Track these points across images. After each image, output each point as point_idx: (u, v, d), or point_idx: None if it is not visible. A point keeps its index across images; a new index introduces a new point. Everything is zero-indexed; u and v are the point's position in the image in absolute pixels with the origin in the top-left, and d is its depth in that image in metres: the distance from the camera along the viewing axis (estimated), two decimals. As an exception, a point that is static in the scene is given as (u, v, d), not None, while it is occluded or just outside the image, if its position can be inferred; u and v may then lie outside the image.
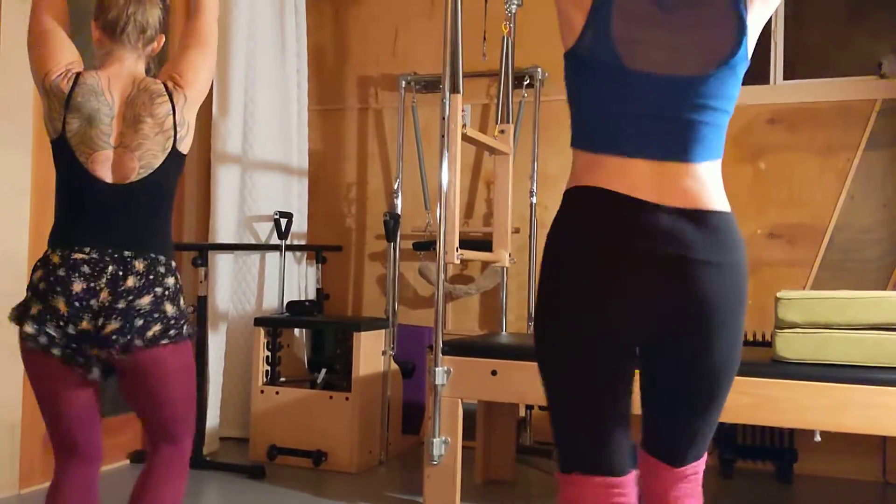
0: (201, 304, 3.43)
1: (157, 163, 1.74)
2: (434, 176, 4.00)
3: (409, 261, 4.08)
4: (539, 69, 3.87)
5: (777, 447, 3.38)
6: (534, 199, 3.89)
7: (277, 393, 3.47)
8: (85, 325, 1.64)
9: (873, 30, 3.63)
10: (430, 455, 2.74)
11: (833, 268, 3.48)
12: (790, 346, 2.45)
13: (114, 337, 1.64)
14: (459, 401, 2.77)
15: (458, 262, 3.00)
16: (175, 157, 1.77)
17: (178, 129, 1.77)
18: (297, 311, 3.66)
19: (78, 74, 1.72)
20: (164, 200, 1.78)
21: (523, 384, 2.69)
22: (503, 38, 3.61)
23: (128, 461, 3.39)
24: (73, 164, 1.70)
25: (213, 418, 3.58)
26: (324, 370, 3.57)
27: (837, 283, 3.46)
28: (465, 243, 3.23)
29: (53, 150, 1.72)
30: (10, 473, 2.87)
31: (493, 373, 2.73)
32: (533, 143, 3.90)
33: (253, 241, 3.88)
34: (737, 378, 2.49)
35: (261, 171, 3.89)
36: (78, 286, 1.64)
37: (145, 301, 1.68)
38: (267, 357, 3.55)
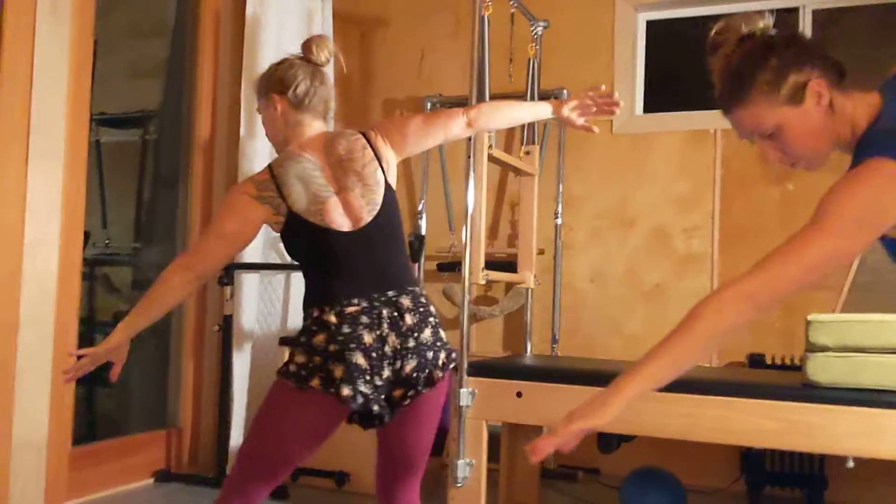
0: (227, 324, 3.44)
1: (379, 198, 1.81)
2: (458, 197, 4.01)
3: (433, 282, 4.08)
4: (565, 91, 3.87)
5: (807, 473, 3.32)
6: (559, 221, 3.89)
7: (301, 413, 3.46)
8: (387, 373, 1.72)
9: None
10: (454, 477, 2.72)
11: (864, 290, 3.43)
12: (822, 369, 2.41)
13: (415, 375, 1.74)
14: (484, 423, 2.75)
15: (483, 282, 2.99)
16: (388, 188, 1.84)
17: (380, 160, 1.84)
18: (321, 331, 3.66)
19: (269, 167, 1.78)
20: (398, 233, 1.85)
21: (548, 406, 2.67)
22: (529, 59, 3.64)
23: (152, 480, 3.40)
24: (310, 228, 1.75)
25: (236, 437, 3.58)
26: (347, 391, 3.55)
27: (868, 306, 3.41)
28: (490, 265, 3.23)
29: (287, 233, 1.77)
30: (36, 491, 2.88)
31: (518, 394, 2.71)
32: (558, 164, 3.90)
33: (279, 262, 3.90)
34: (765, 402, 2.46)
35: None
36: (367, 338, 1.70)
37: (427, 334, 1.78)
38: (291, 377, 3.55)
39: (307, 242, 1.76)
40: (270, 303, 3.84)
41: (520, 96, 3.78)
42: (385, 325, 1.72)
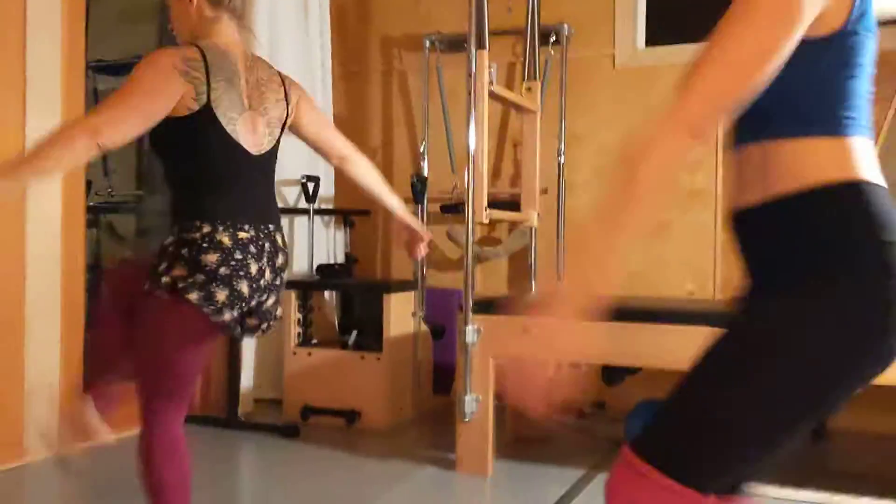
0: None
1: (278, 133, 1.83)
2: (461, 138, 3.98)
3: (437, 224, 4.07)
4: (566, 25, 3.81)
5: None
6: (561, 159, 3.86)
7: (310, 354, 3.50)
8: (254, 302, 1.74)
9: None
10: (462, 412, 2.76)
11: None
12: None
13: (272, 310, 1.80)
14: (490, 359, 2.78)
15: (486, 222, 2.99)
16: (281, 131, 1.85)
17: (289, 105, 1.85)
18: (327, 275, 3.68)
19: (197, 47, 1.70)
20: (274, 173, 1.86)
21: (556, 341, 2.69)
22: (529, -6, 3.57)
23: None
24: (219, 132, 1.70)
25: (247, 380, 3.63)
26: (354, 332, 3.59)
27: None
28: (493, 205, 3.22)
29: (189, 122, 1.67)
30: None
31: (525, 330, 2.73)
32: (560, 101, 3.86)
33: (281, 206, 3.89)
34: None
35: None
36: (253, 268, 1.71)
37: (285, 275, 1.83)
38: (299, 319, 3.58)
39: (210, 146, 1.70)
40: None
41: (520, 31, 3.72)
42: (265, 258, 1.73)
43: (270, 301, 1.78)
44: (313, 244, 3.81)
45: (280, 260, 1.78)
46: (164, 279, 1.65)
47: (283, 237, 1.81)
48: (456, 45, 4.02)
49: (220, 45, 1.74)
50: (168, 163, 1.76)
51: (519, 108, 3.53)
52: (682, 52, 3.74)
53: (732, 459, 1.04)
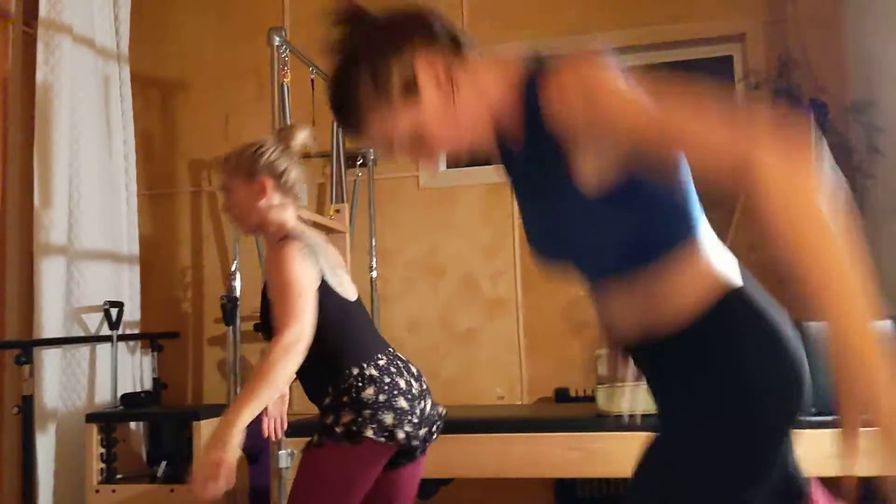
0: (27, 405, 3.25)
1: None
2: (272, 256, 4.02)
3: (251, 342, 4.05)
4: (371, 150, 4.02)
5: (613, 495, 3.58)
6: (374, 274, 4.00)
7: (114, 491, 3.31)
8: (418, 412, 1.92)
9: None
10: (277, 541, 2.71)
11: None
12: (608, 400, 2.65)
13: (433, 413, 1.99)
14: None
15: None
16: None
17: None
18: (131, 404, 3.54)
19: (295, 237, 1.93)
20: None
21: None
22: (333, 121, 3.75)
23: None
24: (334, 297, 1.95)
25: (43, 526, 3.36)
26: (164, 463, 3.45)
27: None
28: (305, 323, 3.26)
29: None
30: None
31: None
32: (369, 219, 4.02)
33: (82, 334, 3.73)
34: (567, 434, 2.66)
35: (88, 261, 3.76)
36: (402, 383, 1.91)
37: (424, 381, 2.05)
38: (102, 454, 3.39)
39: (332, 310, 1.92)
40: (75, 378, 3.65)
41: (327, 156, 3.88)
42: (405, 373, 1.94)
43: (429, 406, 1.96)
44: (117, 372, 3.65)
45: (413, 369, 2.00)
46: (338, 429, 1.82)
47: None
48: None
49: (299, 227, 2.01)
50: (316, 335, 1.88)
51: (329, 230, 3.65)
52: (477, 174, 4.04)
53: None
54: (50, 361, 3.49)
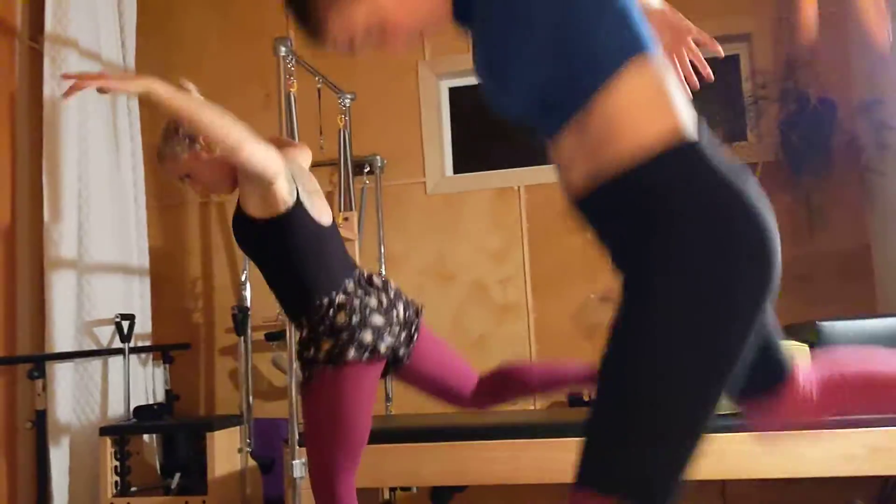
0: (40, 419, 3.25)
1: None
2: (281, 265, 4.03)
3: (262, 352, 4.05)
4: (378, 157, 4.02)
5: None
6: (382, 282, 3.99)
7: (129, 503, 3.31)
8: (394, 322, 2.00)
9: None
10: (293, 551, 2.71)
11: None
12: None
13: (408, 315, 2.05)
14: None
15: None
16: None
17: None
18: (144, 416, 3.54)
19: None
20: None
21: (383, 468, 2.73)
22: (339, 130, 3.76)
23: None
24: (309, 221, 2.00)
25: (59, 540, 3.36)
26: (178, 475, 3.45)
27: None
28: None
29: (284, 225, 1.96)
30: None
31: (352, 459, 2.75)
32: (378, 226, 4.02)
33: (94, 347, 3.73)
34: (580, 439, 2.65)
35: (99, 274, 3.77)
36: (373, 301, 1.97)
37: (392, 285, 2.12)
38: (116, 467, 3.39)
39: (307, 237, 1.98)
40: (88, 392, 3.66)
41: (335, 163, 3.88)
42: (373, 289, 2.01)
43: (401, 310, 2.03)
44: (129, 385, 3.66)
45: (377, 281, 2.06)
46: (320, 356, 1.90)
47: (362, 269, 2.12)
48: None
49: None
50: (275, 264, 2.02)
51: (337, 237, 3.65)
52: (486, 178, 4.04)
53: (682, 436, 0.96)
54: (63, 375, 3.49)
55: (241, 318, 3.74)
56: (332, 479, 1.96)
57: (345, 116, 3.74)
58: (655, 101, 0.98)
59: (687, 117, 1.00)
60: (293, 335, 2.87)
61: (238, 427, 3.53)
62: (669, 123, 0.98)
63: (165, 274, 4.27)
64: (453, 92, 4.22)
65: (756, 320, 0.97)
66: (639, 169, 0.98)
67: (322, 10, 1.13)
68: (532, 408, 3.83)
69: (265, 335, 3.99)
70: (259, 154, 1.86)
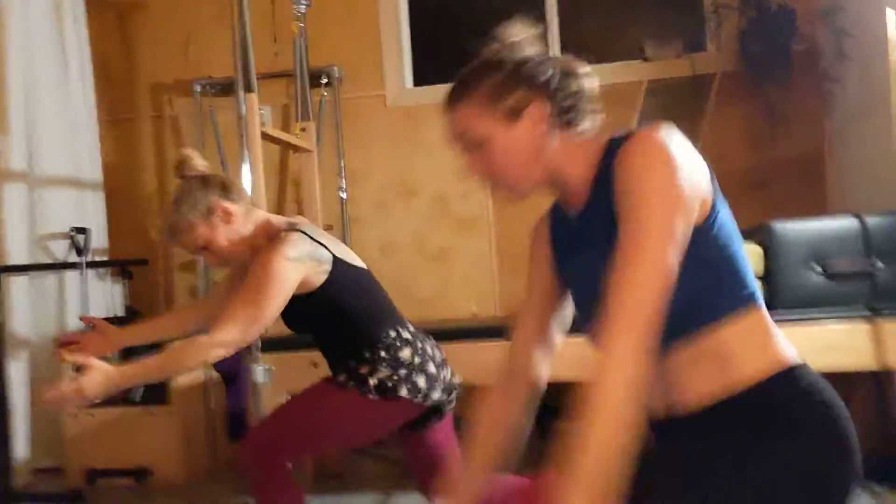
0: (-3, 332, 3.21)
1: None
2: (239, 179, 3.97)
3: (221, 267, 4.02)
4: (335, 67, 3.94)
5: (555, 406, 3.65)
6: (343, 195, 3.97)
7: (92, 415, 3.32)
8: (442, 378, 2.00)
9: (637, 18, 4.01)
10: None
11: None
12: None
13: (453, 381, 2.04)
14: (285, 397, 2.78)
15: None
16: None
17: None
18: (105, 330, 3.51)
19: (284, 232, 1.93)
20: None
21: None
22: (294, 38, 3.65)
23: None
24: (350, 267, 2.00)
25: (22, 450, 3.36)
26: (141, 386, 3.44)
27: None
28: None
29: (329, 282, 1.93)
30: None
31: (315, 365, 2.77)
32: (337, 139, 3.97)
33: (49, 261, 3.68)
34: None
35: (51, 187, 3.69)
36: (430, 349, 2.00)
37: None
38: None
39: (355, 278, 1.98)
40: (45, 305, 3.62)
41: (289, 75, 3.79)
42: (430, 341, 2.03)
43: (449, 374, 2.03)
44: (88, 300, 3.62)
45: (432, 339, 2.07)
46: (371, 381, 1.88)
47: None
48: (227, 89, 4.01)
49: (285, 223, 1.99)
50: (328, 322, 1.98)
51: (295, 149, 3.60)
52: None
53: None
54: (18, 289, 3.44)
55: (199, 231, 3.69)
56: (278, 460, 1.91)
57: (300, 24, 3.64)
58: (766, 338, 1.16)
59: (791, 349, 1.16)
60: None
61: (199, 339, 3.52)
62: (779, 353, 1.15)
63: (121, 189, 4.18)
64: (413, 1, 4.13)
65: None
66: (763, 386, 1.11)
67: (471, 98, 1.24)
68: (492, 315, 3.88)
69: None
70: (228, 340, 1.79)
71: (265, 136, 3.08)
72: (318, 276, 1.91)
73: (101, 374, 1.72)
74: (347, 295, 1.96)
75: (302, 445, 1.95)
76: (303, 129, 3.56)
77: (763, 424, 1.10)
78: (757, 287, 1.18)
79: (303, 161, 3.64)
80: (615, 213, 1.13)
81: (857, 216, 2.60)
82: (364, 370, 1.91)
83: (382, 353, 1.92)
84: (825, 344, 2.50)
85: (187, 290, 4.14)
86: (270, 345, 2.82)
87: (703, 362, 1.13)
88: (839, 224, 2.59)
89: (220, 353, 1.77)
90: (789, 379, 1.12)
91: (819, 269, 2.57)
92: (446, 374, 2.01)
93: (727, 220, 1.17)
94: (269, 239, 1.93)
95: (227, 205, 1.92)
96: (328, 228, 3.91)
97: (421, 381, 1.92)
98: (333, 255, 1.94)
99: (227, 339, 1.77)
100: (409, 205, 4.01)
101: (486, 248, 3.94)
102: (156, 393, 3.40)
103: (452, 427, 2.10)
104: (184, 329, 2.11)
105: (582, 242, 1.24)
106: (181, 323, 2.15)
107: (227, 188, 1.95)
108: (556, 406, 3.52)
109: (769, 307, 1.19)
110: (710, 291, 1.14)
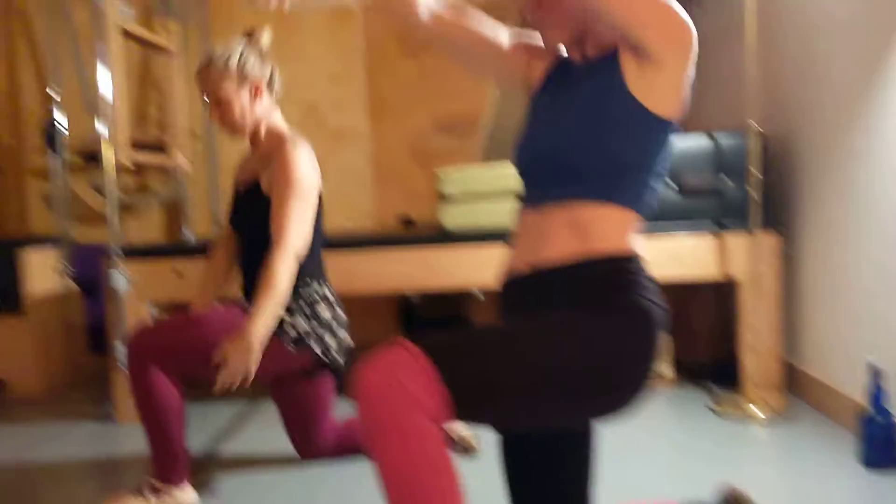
0: None
1: None
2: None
3: (81, 173, 3.82)
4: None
5: (453, 316, 3.77)
6: (210, 102, 3.81)
7: (-64, 327, 3.13)
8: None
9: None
10: (119, 360, 2.68)
11: (494, 154, 3.87)
12: (451, 217, 2.72)
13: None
14: (147, 306, 2.72)
15: (130, 166, 2.89)
16: None
17: None
18: (-52, 237, 3.29)
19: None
20: None
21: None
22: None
23: None
24: (321, 205, 2.08)
25: None
26: (-9, 296, 3.27)
27: (502, 154, 3.85)
28: (141, 151, 3.11)
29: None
30: None
31: (179, 274, 2.71)
32: (203, 41, 3.79)
33: None
34: (411, 252, 2.74)
35: None
36: (341, 312, 2.07)
37: None
38: (-83, 290, 3.17)
39: (317, 221, 2.04)
40: None
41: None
42: (340, 304, 2.07)
43: (348, 336, 2.09)
44: (-71, 204, 3.37)
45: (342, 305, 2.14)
46: (290, 332, 1.95)
47: None
48: None
49: (292, 134, 2.03)
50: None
51: (157, 49, 3.42)
52: (321, -4, 3.87)
53: (494, 395, 1.11)
54: None
55: (52, 135, 3.49)
56: (159, 363, 1.91)
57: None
58: (624, 234, 1.25)
59: (642, 253, 1.27)
60: (111, 154, 2.72)
61: (55, 248, 3.36)
62: (628, 248, 1.24)
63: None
64: None
65: (624, 397, 1.19)
66: (612, 261, 1.22)
67: None
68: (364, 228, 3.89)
69: (83, 155, 3.75)
70: (289, 265, 1.89)
71: (125, 34, 2.91)
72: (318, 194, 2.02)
73: (243, 350, 1.80)
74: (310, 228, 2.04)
75: (189, 361, 1.92)
76: (166, 28, 3.37)
77: (604, 290, 1.21)
78: (649, 203, 1.28)
79: (165, 62, 3.47)
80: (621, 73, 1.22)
81: (710, 135, 2.74)
82: (285, 316, 1.96)
83: (302, 303, 1.99)
84: (675, 255, 2.66)
85: (42, 197, 3.92)
86: (131, 252, 2.73)
87: (574, 228, 1.23)
88: (693, 142, 2.73)
89: (298, 253, 1.90)
90: (633, 265, 1.23)
91: (673, 184, 2.71)
92: (348, 338, 2.09)
93: (669, 145, 1.26)
94: (281, 142, 2.00)
95: (263, 87, 2.00)
96: (195, 136, 3.77)
97: (332, 342, 2.01)
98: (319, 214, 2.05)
99: (293, 243, 1.89)
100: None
101: (361, 162, 3.92)
102: (8, 303, 3.24)
103: (332, 386, 2.18)
104: (229, 264, 2.21)
105: (568, 95, 1.30)
106: (222, 262, 2.21)
107: (272, 77, 2.04)
108: (424, 317, 3.52)
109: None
110: (620, 174, 1.23)
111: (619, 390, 1.17)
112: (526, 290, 1.27)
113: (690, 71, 1.20)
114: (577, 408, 1.16)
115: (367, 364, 1.08)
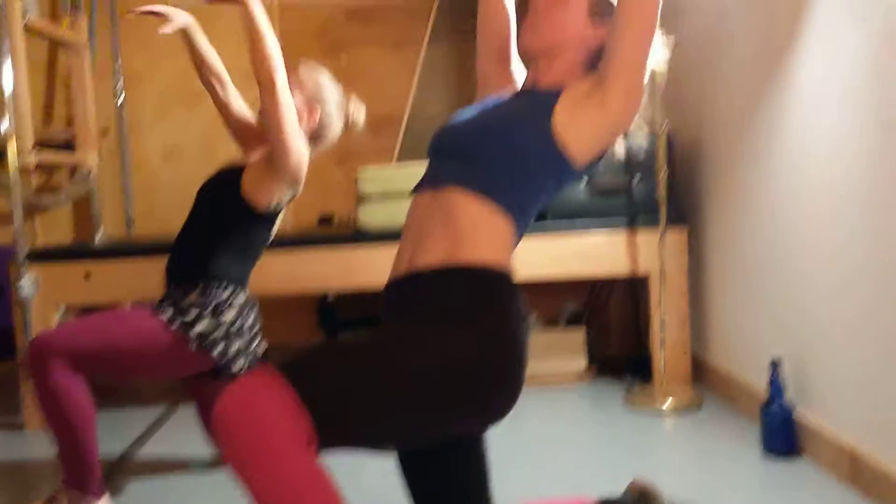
0: None
1: None
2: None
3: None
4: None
5: (372, 316, 3.77)
6: (121, 98, 3.71)
7: None
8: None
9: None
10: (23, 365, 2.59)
11: (412, 154, 3.88)
12: (369, 216, 2.73)
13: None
14: (56, 309, 2.64)
15: (33, 165, 2.80)
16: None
17: None
18: None
19: None
20: None
21: (119, 283, 2.65)
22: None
23: None
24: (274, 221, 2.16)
25: None
26: None
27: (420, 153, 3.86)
28: (48, 149, 3.01)
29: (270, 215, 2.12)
30: None
31: (87, 276, 2.64)
32: (113, 37, 3.68)
33: None
34: (327, 252, 2.74)
35: None
36: (251, 321, 2.09)
37: None
38: None
39: (263, 228, 2.11)
40: None
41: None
42: (253, 311, 2.10)
43: (257, 340, 2.10)
44: None
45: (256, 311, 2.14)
46: (192, 331, 1.93)
47: None
48: None
49: None
50: (211, 229, 2.06)
51: (64, 44, 3.31)
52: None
53: (351, 418, 1.08)
54: None
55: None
56: (59, 364, 1.85)
57: None
58: (500, 244, 1.25)
59: (512, 271, 1.27)
60: (13, 151, 2.62)
61: (-45, 250, 3.22)
62: (500, 261, 1.23)
63: None
64: None
65: (474, 418, 1.18)
66: (478, 272, 1.21)
67: None
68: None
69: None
70: (286, 99, 2.01)
71: (28, 28, 2.81)
72: (281, 193, 2.07)
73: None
74: (256, 233, 2.08)
75: (97, 362, 1.88)
76: (72, 23, 3.26)
77: (466, 305, 1.19)
78: (528, 218, 1.31)
79: (73, 57, 3.36)
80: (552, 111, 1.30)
81: (623, 135, 2.83)
82: (191, 316, 1.95)
83: (210, 302, 1.98)
84: (588, 252, 2.74)
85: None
86: (39, 255, 2.64)
87: (449, 228, 1.23)
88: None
89: (281, 92, 2.02)
90: (499, 281, 1.22)
91: (586, 184, 2.79)
92: (257, 346, 2.10)
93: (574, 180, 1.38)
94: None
95: (316, 117, 2.28)
96: (104, 134, 3.67)
97: (232, 349, 2.00)
98: (278, 211, 2.11)
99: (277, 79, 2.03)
100: (195, 111, 3.83)
101: (278, 159, 3.87)
102: None
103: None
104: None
105: (503, 105, 1.36)
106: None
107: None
108: (343, 317, 3.52)
109: (540, 218, 1.31)
110: (511, 172, 1.25)
111: (473, 406, 1.16)
112: (400, 293, 1.27)
113: (617, 131, 1.30)
114: (435, 426, 1.15)
115: (222, 392, 1.03)
